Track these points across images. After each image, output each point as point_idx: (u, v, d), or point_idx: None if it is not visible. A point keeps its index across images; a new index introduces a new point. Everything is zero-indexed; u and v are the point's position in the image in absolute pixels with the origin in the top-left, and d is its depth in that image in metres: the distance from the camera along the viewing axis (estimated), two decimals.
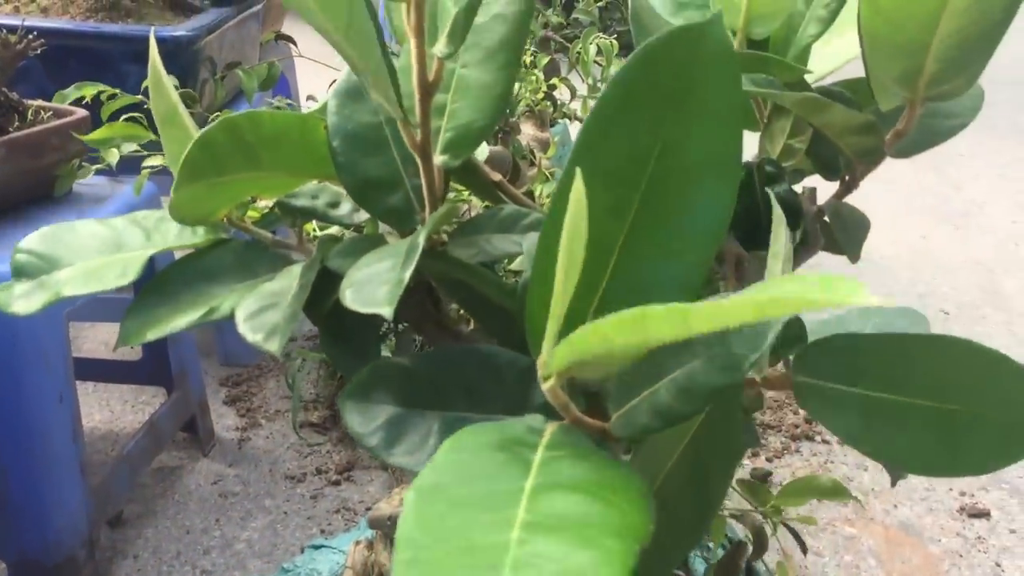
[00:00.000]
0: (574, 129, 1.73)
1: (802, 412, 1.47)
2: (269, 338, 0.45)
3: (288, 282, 0.48)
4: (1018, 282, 1.98)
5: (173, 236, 0.52)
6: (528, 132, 1.45)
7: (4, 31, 0.96)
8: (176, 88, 1.02)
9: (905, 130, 0.46)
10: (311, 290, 0.45)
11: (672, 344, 0.37)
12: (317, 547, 0.78)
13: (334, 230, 0.66)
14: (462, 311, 0.89)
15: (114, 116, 0.95)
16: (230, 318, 0.48)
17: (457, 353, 0.42)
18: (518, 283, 0.44)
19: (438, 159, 0.46)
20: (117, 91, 0.99)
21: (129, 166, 0.99)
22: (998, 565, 1.16)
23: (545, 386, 0.33)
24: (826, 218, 0.53)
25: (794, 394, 0.41)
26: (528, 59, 1.44)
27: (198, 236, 0.52)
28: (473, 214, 0.81)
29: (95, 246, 0.51)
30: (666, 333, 0.27)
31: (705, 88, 0.34)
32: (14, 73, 1.01)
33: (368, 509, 1.23)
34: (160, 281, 0.49)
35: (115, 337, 0.48)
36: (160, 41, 1.29)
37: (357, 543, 0.71)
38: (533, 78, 1.44)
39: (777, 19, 0.48)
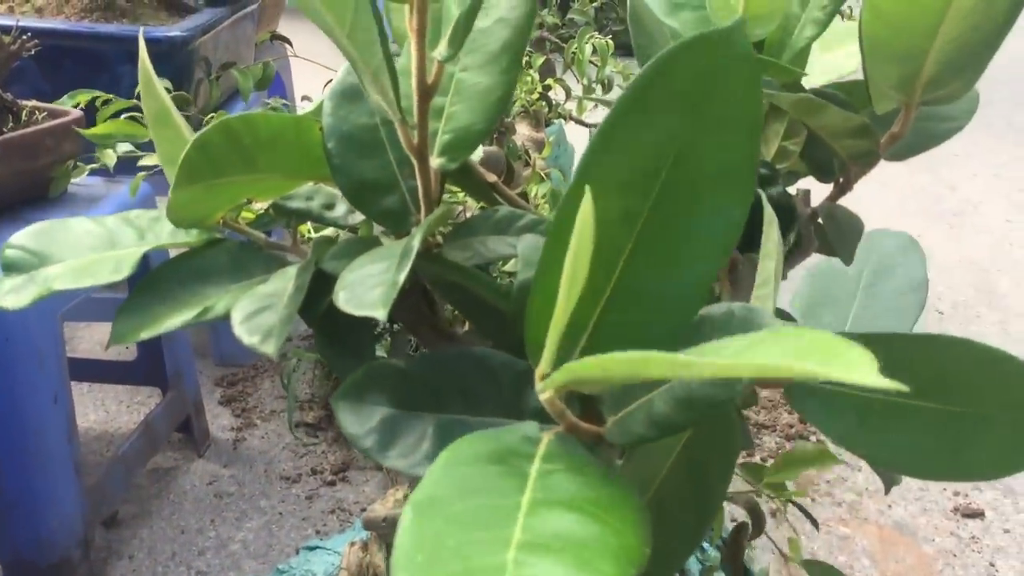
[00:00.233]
0: (569, 129, 1.73)
1: (796, 413, 1.47)
2: (265, 340, 0.44)
3: (283, 284, 0.48)
4: (1013, 281, 1.98)
5: (167, 235, 0.52)
6: (523, 132, 1.46)
7: None
8: (171, 89, 1.02)
9: (900, 133, 0.46)
10: (306, 291, 0.45)
11: (670, 351, 0.37)
12: (312, 548, 0.78)
13: (329, 231, 0.66)
14: (457, 313, 0.89)
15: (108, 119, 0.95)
16: (224, 318, 0.47)
17: (452, 355, 0.42)
18: (513, 285, 0.44)
19: (435, 162, 0.46)
20: (111, 96, 0.99)
21: (124, 167, 0.99)
22: (992, 565, 1.16)
23: (542, 397, 0.33)
24: (820, 220, 0.53)
25: (785, 395, 0.41)
26: (523, 59, 1.44)
27: (192, 235, 0.52)
28: (468, 216, 0.81)
29: (88, 243, 0.51)
30: (665, 374, 0.27)
31: (725, 96, 0.33)
32: (8, 73, 1.01)
33: (363, 510, 1.23)
34: (153, 280, 0.49)
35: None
36: (155, 41, 1.30)
37: (352, 544, 0.71)
38: (528, 78, 1.44)
39: (773, 21, 0.48)
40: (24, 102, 1.04)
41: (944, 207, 2.41)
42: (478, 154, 0.69)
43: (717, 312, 0.37)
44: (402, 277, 0.39)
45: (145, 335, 0.48)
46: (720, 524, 0.71)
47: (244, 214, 0.58)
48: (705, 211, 0.34)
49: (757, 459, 1.36)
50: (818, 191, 0.53)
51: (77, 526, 1.04)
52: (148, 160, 0.93)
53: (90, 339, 1.65)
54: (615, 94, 1.48)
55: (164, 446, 1.33)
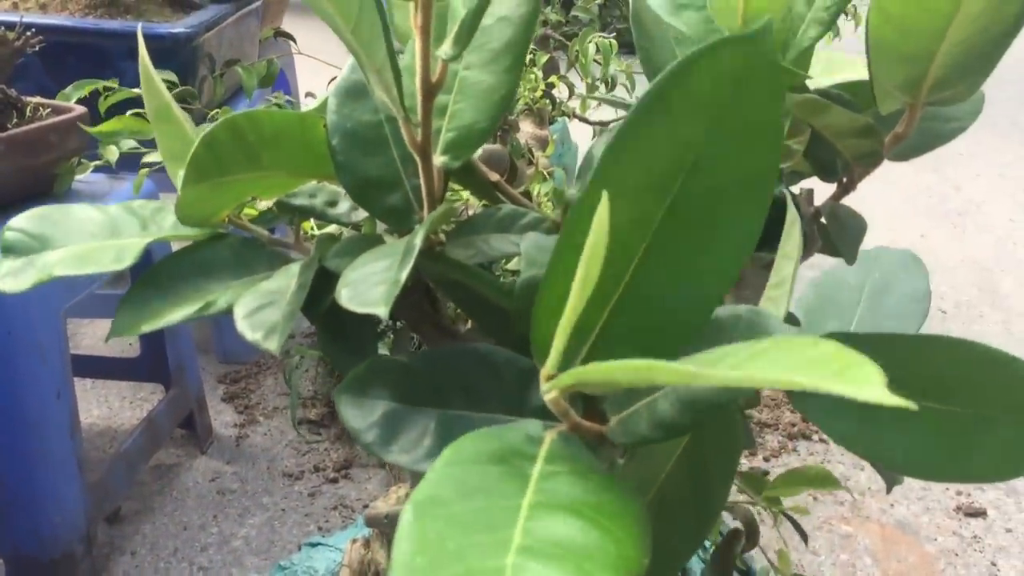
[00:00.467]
0: (572, 127, 1.73)
1: (799, 412, 1.47)
2: (268, 336, 0.44)
3: (286, 281, 0.48)
4: (1016, 281, 1.98)
5: (169, 226, 0.52)
6: (527, 130, 1.46)
7: (3, 27, 0.96)
8: (175, 85, 1.02)
9: (904, 133, 0.46)
10: (309, 289, 0.45)
11: (675, 356, 0.37)
12: (314, 545, 0.78)
13: (332, 229, 0.66)
14: (458, 311, 0.89)
15: (111, 111, 0.95)
16: (226, 313, 0.47)
17: (455, 351, 0.42)
18: (515, 284, 0.44)
19: (438, 160, 0.46)
20: (114, 85, 0.99)
21: (127, 163, 0.99)
22: (994, 564, 1.16)
23: (547, 396, 0.33)
24: (823, 220, 0.53)
25: (787, 395, 0.41)
26: (527, 57, 1.44)
27: (195, 229, 0.51)
28: (471, 214, 0.81)
29: (90, 230, 0.50)
30: (671, 382, 0.27)
31: (748, 103, 0.32)
32: (12, 70, 1.01)
33: (366, 507, 1.23)
34: (155, 274, 0.48)
35: None
36: (159, 38, 1.30)
37: (354, 541, 0.71)
38: (532, 76, 1.44)
39: (775, 21, 0.48)
40: (28, 98, 1.04)
41: (948, 207, 2.41)
42: (480, 151, 0.69)
43: (723, 314, 0.37)
44: (404, 275, 0.39)
45: (146, 328, 0.48)
46: (718, 526, 0.71)
47: (247, 211, 0.58)
48: (721, 219, 0.33)
49: (759, 458, 1.36)
50: (821, 190, 0.53)
51: (79, 522, 1.04)
52: (152, 157, 0.93)
53: (93, 335, 1.66)
54: (619, 92, 1.48)
55: (167, 442, 1.33)
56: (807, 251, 0.53)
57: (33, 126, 1.00)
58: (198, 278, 0.50)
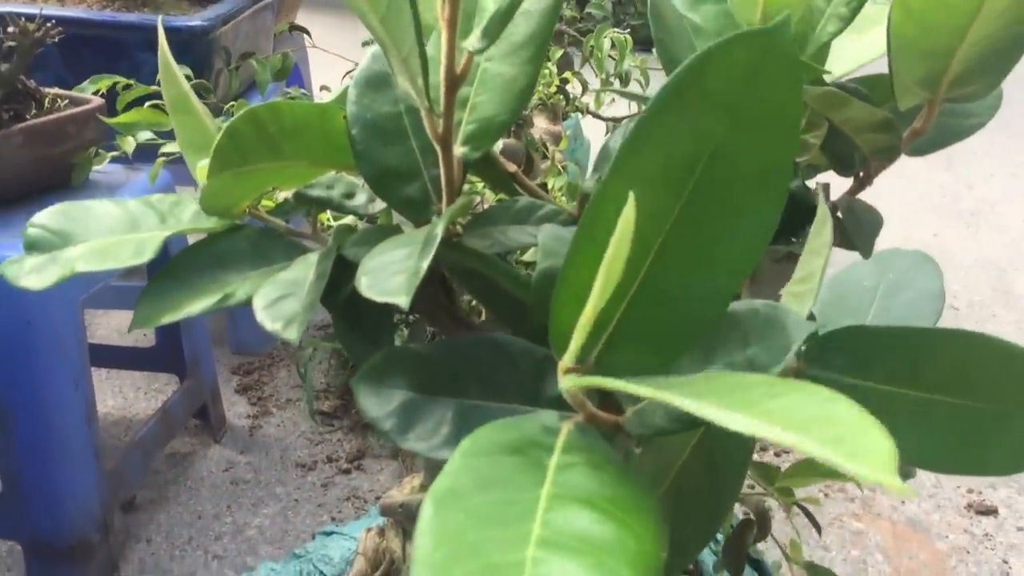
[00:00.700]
0: (585, 124, 1.73)
1: None
2: (288, 326, 0.45)
3: (304, 271, 0.48)
4: None
5: (188, 219, 0.52)
6: (540, 125, 1.46)
7: (23, 19, 0.97)
8: (191, 78, 1.03)
9: (922, 129, 0.46)
10: (327, 278, 0.46)
11: (691, 349, 0.37)
12: (328, 534, 0.79)
13: (349, 220, 0.67)
14: (473, 304, 0.89)
15: (129, 107, 0.96)
16: (246, 304, 0.48)
17: (472, 341, 0.43)
18: (532, 275, 0.45)
19: (458, 151, 0.46)
20: (132, 82, 1.00)
21: (143, 154, 1.00)
22: (1005, 562, 1.16)
23: (565, 389, 0.33)
24: (839, 214, 0.53)
25: None
26: None
27: (212, 221, 0.52)
28: (485, 207, 0.81)
29: (109, 225, 0.50)
30: (686, 410, 0.27)
31: (765, 97, 0.32)
32: (31, 61, 1.01)
33: (378, 498, 1.23)
34: (174, 266, 0.49)
35: (127, 325, 0.48)
36: (176, 31, 1.30)
37: (368, 530, 0.72)
38: (546, 71, 1.44)
39: (794, 15, 0.48)
40: (46, 89, 1.05)
41: (962, 206, 2.40)
42: (498, 146, 0.70)
43: (740, 308, 0.38)
44: (425, 264, 0.39)
45: (167, 320, 0.48)
46: (731, 519, 0.72)
47: (264, 203, 0.59)
48: (738, 213, 0.34)
49: (771, 453, 1.36)
50: (837, 185, 0.53)
51: (96, 509, 1.05)
52: (169, 147, 0.93)
53: (108, 326, 1.67)
54: (633, 88, 1.48)
55: (181, 432, 1.34)
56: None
57: (51, 117, 1.01)
58: (217, 269, 0.50)
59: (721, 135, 0.32)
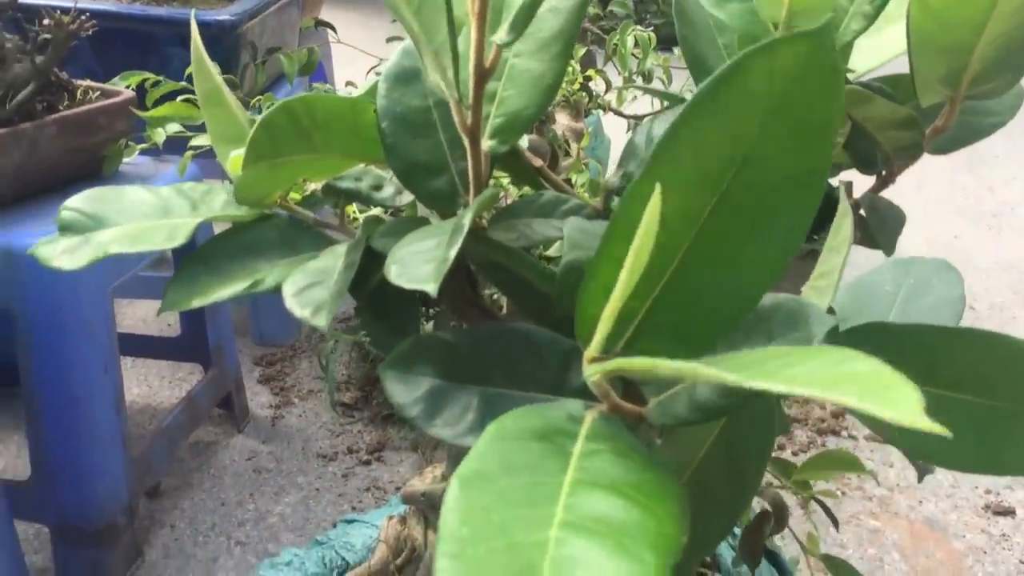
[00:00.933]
0: (606, 121, 1.73)
1: (829, 407, 1.47)
2: (316, 314, 0.45)
3: (333, 261, 0.49)
4: None
5: (219, 207, 0.52)
6: (563, 122, 1.46)
7: (57, 11, 0.99)
8: (218, 71, 1.04)
9: (944, 126, 0.47)
10: (356, 268, 0.47)
11: (717, 343, 0.37)
12: (350, 521, 0.80)
13: (376, 212, 0.68)
14: (495, 298, 0.90)
15: (158, 102, 0.98)
16: (274, 291, 0.48)
17: (499, 330, 0.43)
18: (557, 268, 0.45)
19: (486, 144, 0.47)
20: (160, 78, 1.01)
21: (172, 147, 1.02)
22: (1022, 563, 1.16)
23: (590, 379, 0.34)
24: (862, 211, 0.53)
25: None
26: None
27: (242, 210, 0.52)
28: (508, 202, 0.82)
29: (142, 210, 0.51)
30: (712, 381, 0.27)
31: (805, 101, 0.32)
32: (65, 53, 1.03)
33: (398, 488, 1.25)
34: (204, 253, 0.49)
35: (154, 314, 0.49)
36: (204, 25, 1.32)
37: (390, 518, 0.73)
38: (569, 68, 1.45)
39: (821, 14, 0.49)
40: (78, 81, 1.07)
41: (983, 208, 2.38)
42: (523, 142, 0.70)
43: (765, 303, 0.38)
44: (453, 253, 0.40)
45: (196, 304, 0.49)
46: (748, 513, 0.72)
47: (292, 194, 0.60)
48: (770, 215, 0.34)
49: (788, 452, 1.36)
50: (859, 183, 0.54)
51: (122, 494, 1.07)
52: (198, 140, 0.95)
53: (134, 316, 1.69)
54: (655, 86, 1.48)
55: (205, 421, 1.36)
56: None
57: (83, 108, 1.03)
58: (246, 257, 0.51)
59: (758, 138, 0.32)
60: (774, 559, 0.73)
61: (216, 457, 1.32)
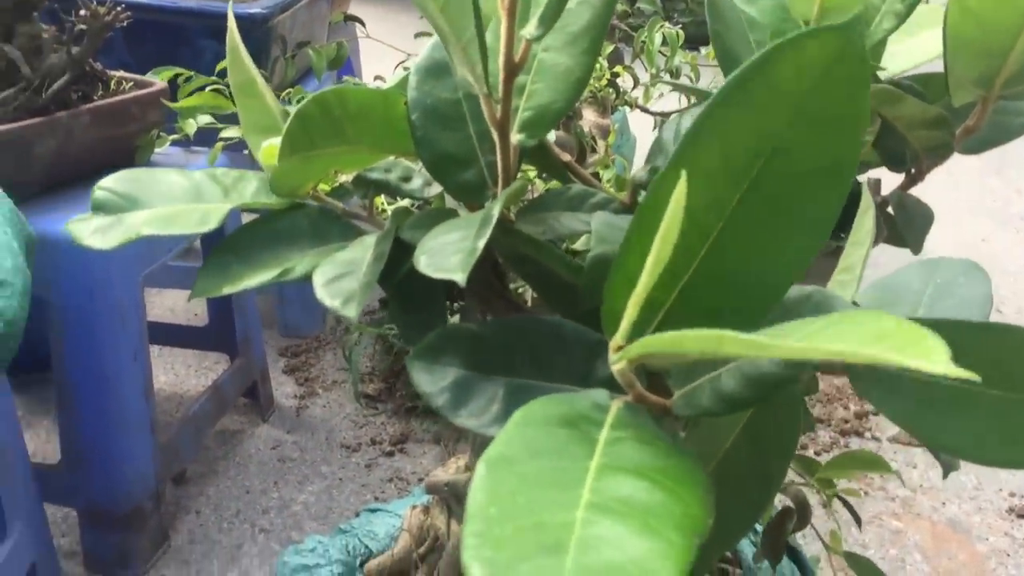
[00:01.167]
0: (632, 119, 1.73)
1: (852, 408, 1.47)
2: (346, 304, 0.46)
3: (362, 251, 0.50)
4: None
5: (250, 194, 0.53)
6: (589, 118, 1.47)
7: (94, 2, 1.00)
8: None
9: (975, 126, 0.47)
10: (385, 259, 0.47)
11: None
12: (373, 511, 0.81)
13: (405, 204, 0.68)
14: (520, 291, 0.91)
15: (189, 95, 0.99)
16: (304, 280, 0.49)
17: (525, 322, 0.44)
18: (585, 261, 0.45)
19: (515, 137, 0.47)
20: (192, 74, 1.03)
21: (201, 138, 1.03)
22: None
23: (615, 367, 0.34)
24: (889, 209, 0.53)
25: (850, 378, 0.42)
26: None
27: (273, 198, 0.53)
28: (536, 195, 0.82)
29: (175, 194, 0.51)
30: (738, 353, 0.28)
31: (832, 94, 0.32)
32: (100, 44, 1.04)
33: (420, 480, 1.26)
34: (234, 241, 0.50)
35: (181, 304, 0.49)
36: (236, 18, 1.33)
37: (413, 507, 0.74)
38: (597, 64, 1.45)
39: (852, 11, 0.49)
40: (112, 72, 1.08)
41: (1011, 211, 2.36)
42: (550, 136, 0.71)
43: (791, 295, 0.38)
44: (481, 244, 0.40)
45: (228, 290, 0.49)
46: (771, 509, 0.72)
47: (321, 185, 0.61)
48: (797, 207, 0.34)
49: (811, 452, 1.36)
50: (888, 181, 0.54)
51: (150, 479, 1.08)
52: (228, 132, 0.96)
53: (161, 305, 1.71)
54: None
55: (231, 410, 1.38)
56: (872, 240, 0.53)
57: (117, 98, 1.04)
58: (276, 245, 0.51)
59: (785, 130, 0.33)
60: (795, 556, 0.73)
61: (241, 445, 1.34)
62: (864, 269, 0.42)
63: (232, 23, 0.54)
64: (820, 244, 0.35)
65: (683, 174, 0.30)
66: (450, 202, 0.55)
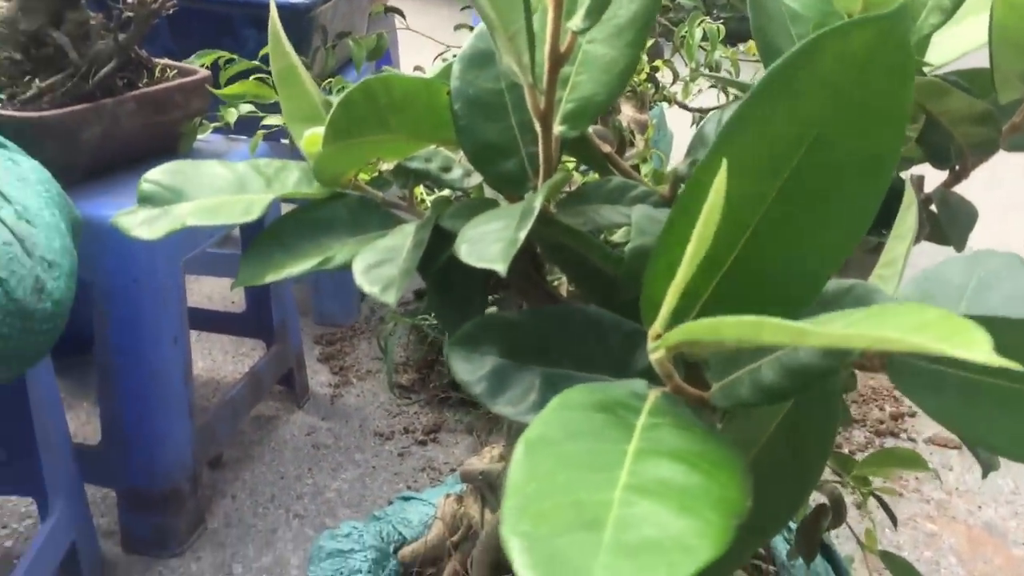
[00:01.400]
0: (670, 115, 1.72)
1: (888, 409, 1.45)
2: (386, 290, 0.46)
3: (402, 239, 0.50)
4: None
5: (292, 184, 0.53)
6: (627, 113, 1.46)
7: None
8: None
9: (1022, 123, 0.46)
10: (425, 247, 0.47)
11: None
12: (407, 499, 0.82)
13: (444, 194, 0.69)
14: (555, 283, 0.91)
15: (231, 80, 1.00)
16: (344, 268, 0.49)
17: (563, 312, 0.44)
18: (625, 252, 0.45)
19: (557, 128, 0.47)
20: (235, 56, 1.04)
21: (242, 127, 1.04)
22: None
23: (653, 356, 0.34)
24: (933, 207, 0.53)
25: (889, 373, 0.42)
26: None
27: (314, 188, 0.54)
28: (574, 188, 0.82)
29: (219, 185, 0.52)
30: (778, 340, 0.28)
31: (876, 85, 0.31)
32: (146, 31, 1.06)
33: (453, 470, 1.26)
34: (276, 230, 0.51)
35: (219, 291, 0.50)
36: (278, 7, 1.34)
37: (447, 496, 0.74)
38: None
39: (895, 5, 0.49)
40: (156, 60, 1.10)
41: None
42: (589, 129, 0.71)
43: (831, 288, 0.38)
44: (523, 234, 0.40)
45: (269, 279, 0.50)
46: (805, 506, 0.72)
47: (360, 175, 0.61)
48: (837, 199, 0.34)
49: (845, 452, 1.34)
50: (931, 177, 0.53)
51: (188, 462, 1.10)
52: (270, 120, 0.97)
53: (199, 292, 1.73)
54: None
55: (266, 396, 1.39)
56: (915, 237, 0.53)
57: (162, 86, 1.06)
58: (317, 234, 0.52)
59: (827, 121, 0.33)
60: (829, 555, 0.73)
61: (276, 432, 1.36)
62: (906, 264, 0.42)
63: (274, 12, 0.54)
64: (859, 236, 0.35)
65: (723, 163, 0.30)
66: (488, 193, 0.56)
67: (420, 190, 0.83)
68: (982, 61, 0.46)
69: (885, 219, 0.52)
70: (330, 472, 1.27)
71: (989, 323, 0.40)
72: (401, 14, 1.60)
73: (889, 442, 1.38)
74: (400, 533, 0.76)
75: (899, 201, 0.48)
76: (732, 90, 1.29)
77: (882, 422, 1.42)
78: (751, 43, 1.61)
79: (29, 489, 0.97)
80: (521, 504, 0.26)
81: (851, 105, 0.32)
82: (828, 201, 0.34)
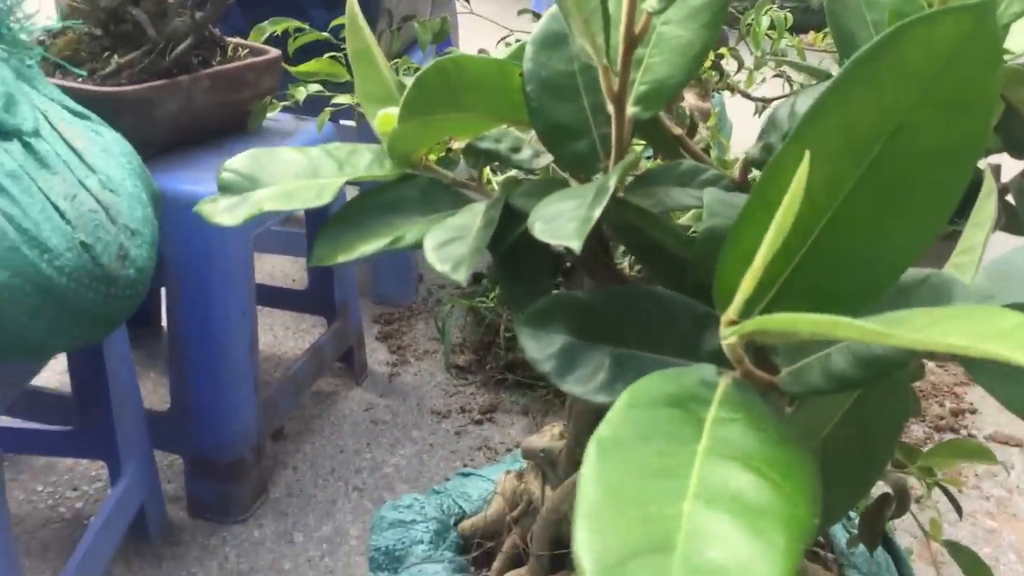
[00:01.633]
0: (730, 105, 1.71)
1: (948, 405, 1.43)
2: (456, 268, 0.47)
3: (471, 218, 0.51)
4: None
5: (363, 167, 0.55)
6: (689, 101, 1.45)
7: None
8: None
9: None
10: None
11: (856, 314, 0.37)
12: (466, 475, 0.83)
13: (512, 174, 0.69)
14: (620, 266, 0.91)
15: (298, 55, 1.02)
16: (415, 247, 0.50)
17: (633, 292, 0.44)
18: (698, 234, 0.46)
19: (630, 110, 0.48)
20: (304, 26, 1.05)
21: (308, 106, 1.06)
22: None
23: (726, 342, 0.34)
24: (1009, 197, 0.52)
25: (963, 363, 0.42)
26: None
27: (386, 170, 0.55)
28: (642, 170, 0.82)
29: (293, 171, 0.54)
30: (854, 338, 0.27)
31: (963, 75, 0.31)
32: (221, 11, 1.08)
33: (509, 450, 1.28)
34: (347, 212, 0.52)
35: (280, 268, 0.51)
36: None
37: (507, 472, 0.75)
38: None
39: None
40: (229, 39, 1.12)
41: None
42: None
43: (906, 277, 0.38)
44: (597, 213, 0.40)
45: (341, 259, 0.51)
46: (868, 495, 0.72)
47: (430, 155, 0.62)
48: (918, 188, 0.33)
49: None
50: (1009, 167, 0.52)
51: (252, 433, 1.13)
52: (339, 99, 0.99)
53: (261, 270, 1.76)
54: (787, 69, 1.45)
55: (326, 373, 1.42)
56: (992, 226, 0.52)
57: (235, 65, 1.08)
58: (387, 215, 0.53)
59: (910, 109, 0.32)
60: (889, 545, 0.73)
61: (336, 407, 1.38)
62: (984, 252, 0.42)
63: None
64: (939, 228, 0.34)
65: (806, 154, 0.30)
66: (558, 174, 0.56)
67: (488, 171, 0.84)
68: None
69: (961, 208, 0.51)
70: (388, 448, 1.29)
71: None
72: None
73: (947, 438, 1.36)
74: (460, 507, 0.78)
75: (976, 189, 0.47)
76: (799, 78, 1.27)
77: (942, 418, 1.40)
78: (813, 34, 1.58)
79: (102, 453, 1.00)
80: (593, 518, 0.26)
81: (936, 94, 0.32)
82: (909, 191, 0.34)
